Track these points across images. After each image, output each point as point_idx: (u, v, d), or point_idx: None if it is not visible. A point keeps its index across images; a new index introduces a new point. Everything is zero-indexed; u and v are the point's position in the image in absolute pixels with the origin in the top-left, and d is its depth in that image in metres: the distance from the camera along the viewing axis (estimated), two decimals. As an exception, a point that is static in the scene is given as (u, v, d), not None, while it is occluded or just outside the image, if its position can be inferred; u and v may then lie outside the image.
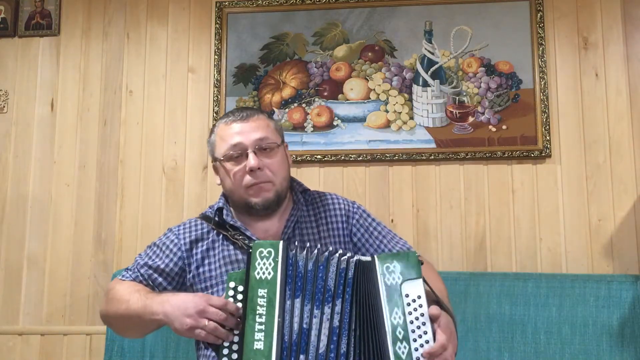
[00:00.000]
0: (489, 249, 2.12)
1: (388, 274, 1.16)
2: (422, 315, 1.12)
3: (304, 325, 1.13)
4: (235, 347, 1.14)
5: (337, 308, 1.15)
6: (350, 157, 2.20)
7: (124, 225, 2.24)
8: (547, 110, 2.15)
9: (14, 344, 2.19)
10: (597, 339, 1.86)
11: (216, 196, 2.21)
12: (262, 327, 1.11)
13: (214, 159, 1.46)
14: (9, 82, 2.37)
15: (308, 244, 1.23)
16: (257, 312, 1.12)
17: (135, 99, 2.33)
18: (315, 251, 1.20)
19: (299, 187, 1.51)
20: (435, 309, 1.13)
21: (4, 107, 2.36)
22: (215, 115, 2.26)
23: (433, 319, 1.12)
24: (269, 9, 2.32)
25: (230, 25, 2.32)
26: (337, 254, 1.20)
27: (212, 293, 1.36)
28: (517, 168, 2.15)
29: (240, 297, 1.17)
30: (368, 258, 1.20)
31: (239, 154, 1.39)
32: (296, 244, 1.22)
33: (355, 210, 1.51)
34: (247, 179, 1.38)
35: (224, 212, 1.44)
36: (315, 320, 1.14)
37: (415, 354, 1.10)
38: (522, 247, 2.10)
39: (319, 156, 2.21)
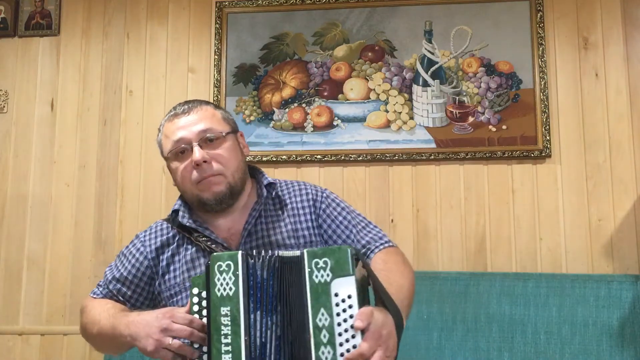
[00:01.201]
0: (489, 249, 2.12)
1: (317, 270, 1.05)
2: (351, 317, 1.01)
3: (262, 339, 1.07)
4: None
5: (275, 315, 1.08)
6: (350, 157, 2.20)
7: (124, 225, 2.24)
8: (547, 110, 2.15)
9: (14, 344, 2.19)
10: (597, 339, 1.86)
11: (216, 196, 2.22)
12: (229, 347, 1.04)
13: (164, 159, 1.38)
14: (9, 82, 2.37)
15: (262, 251, 1.16)
16: (222, 332, 1.04)
17: (135, 99, 2.33)
18: (268, 256, 1.12)
19: (263, 180, 1.40)
20: (361, 317, 1.01)
21: (4, 107, 2.36)
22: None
23: (359, 330, 1.00)
24: (269, 9, 2.32)
25: (230, 25, 2.32)
26: (270, 253, 1.12)
27: (177, 301, 1.31)
28: (517, 168, 2.15)
29: (205, 303, 1.10)
30: (297, 253, 1.09)
31: (184, 149, 1.31)
32: (254, 252, 1.13)
33: (322, 198, 1.39)
34: (195, 174, 1.30)
35: (180, 213, 1.37)
36: (268, 332, 1.07)
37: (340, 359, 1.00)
38: (522, 247, 2.10)
39: (319, 156, 2.21)
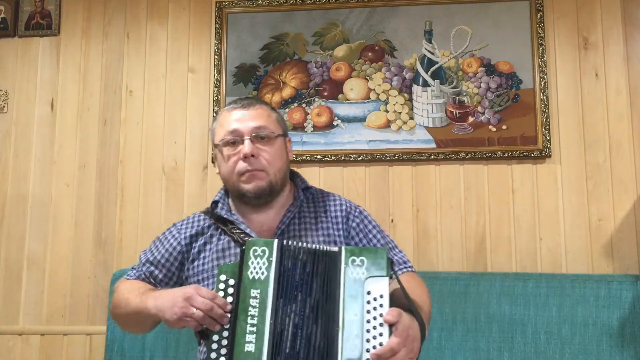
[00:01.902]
0: (489, 249, 2.12)
1: (353, 267, 1.11)
2: (381, 315, 1.07)
3: (282, 325, 1.11)
4: (224, 342, 1.11)
5: (302, 304, 1.12)
6: (350, 157, 2.20)
7: (124, 225, 2.25)
8: (547, 110, 2.15)
9: (14, 344, 2.19)
10: (597, 339, 1.86)
11: (216, 196, 2.22)
12: (254, 328, 1.08)
13: (214, 146, 1.45)
14: (9, 82, 2.37)
15: (294, 241, 1.20)
16: (249, 312, 1.09)
17: (135, 99, 2.33)
18: (302, 247, 1.17)
19: (301, 184, 1.49)
20: (392, 313, 1.07)
21: (4, 107, 2.36)
22: (215, 115, 2.26)
23: (388, 324, 1.06)
24: (269, 9, 2.32)
25: (230, 25, 2.32)
26: (306, 245, 1.17)
27: (204, 286, 1.34)
28: (517, 168, 2.15)
29: (230, 290, 1.14)
30: (335, 248, 1.16)
31: (235, 140, 1.38)
32: (287, 242, 1.18)
33: (356, 213, 1.47)
34: (241, 165, 1.36)
35: (219, 205, 1.44)
36: (287, 319, 1.11)
37: (365, 355, 1.05)
38: (522, 247, 2.10)
39: (319, 156, 2.21)
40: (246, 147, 1.35)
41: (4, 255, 2.26)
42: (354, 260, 1.11)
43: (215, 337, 1.12)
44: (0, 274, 2.25)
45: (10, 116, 2.35)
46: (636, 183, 2.10)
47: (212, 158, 1.49)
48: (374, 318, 1.06)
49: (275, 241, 1.15)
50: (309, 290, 1.13)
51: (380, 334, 1.05)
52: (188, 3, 2.37)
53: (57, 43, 2.38)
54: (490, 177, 2.16)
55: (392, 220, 2.16)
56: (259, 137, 1.38)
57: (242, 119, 1.39)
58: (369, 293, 1.08)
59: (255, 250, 1.13)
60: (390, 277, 1.14)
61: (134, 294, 1.33)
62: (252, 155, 1.35)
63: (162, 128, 2.30)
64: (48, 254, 2.25)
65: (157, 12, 2.37)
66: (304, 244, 1.19)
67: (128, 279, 1.45)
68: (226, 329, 1.12)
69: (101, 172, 2.29)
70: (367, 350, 1.04)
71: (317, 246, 1.18)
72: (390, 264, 1.14)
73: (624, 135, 2.12)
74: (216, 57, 2.30)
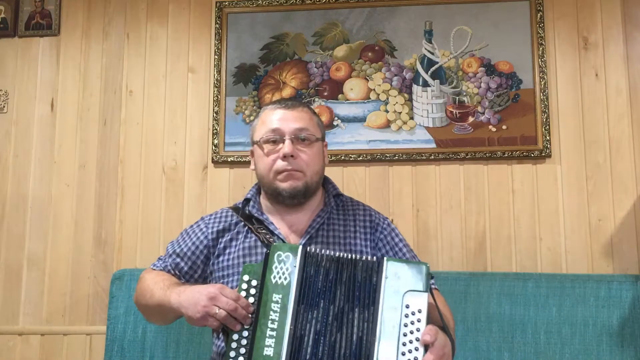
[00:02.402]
0: (489, 249, 2.12)
1: (394, 279, 1.11)
2: (418, 330, 1.07)
3: (302, 332, 1.11)
4: (244, 341, 1.12)
5: (324, 311, 1.13)
6: (350, 157, 2.20)
7: (124, 225, 2.24)
8: (547, 110, 2.15)
9: (14, 344, 2.19)
10: (597, 339, 1.86)
11: (217, 196, 2.22)
12: (274, 333, 1.09)
13: (252, 143, 1.48)
14: (9, 82, 2.37)
15: (317, 248, 1.21)
16: (270, 317, 1.10)
17: (135, 99, 2.33)
18: (325, 255, 1.18)
19: (333, 190, 1.52)
20: (430, 332, 1.07)
21: (4, 107, 2.36)
22: (215, 115, 2.26)
23: (425, 344, 1.07)
24: (269, 9, 2.32)
25: (230, 25, 2.32)
26: (331, 253, 1.18)
27: (227, 282, 1.38)
28: (517, 168, 2.15)
29: (253, 291, 1.15)
30: (373, 258, 1.17)
31: (276, 138, 1.41)
32: (312, 249, 1.19)
33: (385, 225, 1.50)
34: (280, 163, 1.40)
35: (251, 203, 1.47)
36: (308, 325, 1.12)
37: None
38: (522, 247, 2.10)
39: (319, 156, 2.21)
40: (286, 146, 1.38)
41: (4, 255, 2.26)
42: (395, 273, 1.11)
43: (235, 337, 1.13)
44: (0, 274, 2.25)
45: (10, 116, 2.35)
46: (636, 183, 2.10)
47: (251, 153, 1.52)
48: (411, 332, 1.07)
49: (300, 247, 1.16)
50: (332, 297, 1.14)
51: (416, 349, 1.06)
52: (188, 3, 2.36)
53: (57, 43, 2.38)
54: (490, 177, 2.16)
55: (392, 220, 2.15)
56: (299, 138, 1.41)
57: (284, 118, 1.42)
58: (407, 307, 1.09)
59: (279, 255, 1.14)
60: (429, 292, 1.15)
61: (159, 286, 1.34)
62: (292, 156, 1.39)
63: (162, 128, 2.30)
64: (48, 254, 2.25)
65: (157, 12, 2.37)
66: (329, 252, 1.19)
67: (154, 269, 1.47)
68: (246, 329, 1.13)
69: (101, 172, 2.29)
70: None
71: (342, 254, 1.19)
72: (432, 276, 1.16)
73: (624, 135, 2.12)
74: (216, 57, 2.30)
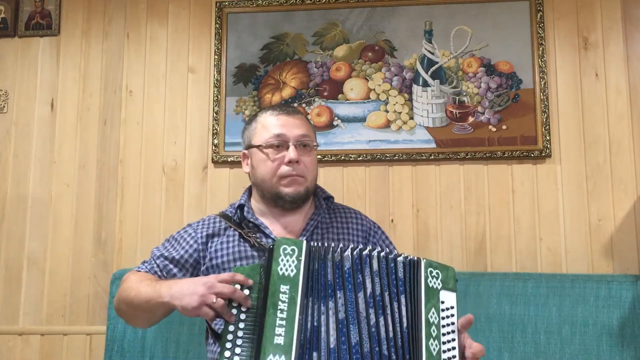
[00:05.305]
0: (489, 249, 2.12)
1: (431, 277, 1.20)
2: (453, 324, 1.20)
3: (315, 323, 1.13)
4: (239, 341, 1.12)
5: (328, 301, 1.15)
6: (350, 157, 2.20)
7: (124, 225, 2.24)
8: (547, 110, 2.15)
9: (14, 344, 2.19)
10: (597, 339, 1.86)
11: (217, 196, 2.22)
12: (284, 322, 1.10)
13: (249, 146, 1.50)
14: (9, 82, 2.37)
15: (324, 242, 1.24)
16: (279, 307, 1.11)
17: (135, 99, 2.32)
18: (330, 249, 1.19)
19: (322, 193, 1.56)
20: (478, 348, 1.23)
21: (4, 107, 2.36)
22: (215, 115, 2.26)
23: (461, 331, 1.22)
24: (269, 9, 2.32)
25: (230, 25, 2.32)
26: (360, 250, 1.20)
27: None
28: (517, 168, 2.15)
29: (246, 292, 1.16)
30: (414, 257, 1.23)
31: (280, 144, 1.44)
32: (314, 244, 1.21)
33: (376, 229, 1.56)
34: (284, 169, 1.43)
35: (245, 209, 1.49)
36: (322, 317, 1.14)
37: (443, 355, 1.16)
38: (522, 247, 2.10)
39: (318, 156, 2.20)
40: (292, 152, 1.42)
41: (4, 255, 2.26)
42: (431, 272, 1.21)
43: (230, 337, 1.13)
44: (0, 274, 2.25)
45: (10, 116, 2.35)
46: (636, 183, 2.10)
47: (243, 155, 1.54)
48: (448, 325, 1.20)
49: (304, 241, 1.19)
50: (360, 286, 1.18)
51: (453, 339, 1.20)
52: (188, 3, 2.36)
53: (57, 43, 2.38)
54: (490, 177, 2.16)
55: (392, 220, 2.16)
56: (302, 144, 1.45)
57: (287, 124, 1.46)
58: (442, 302, 1.21)
59: (285, 249, 1.16)
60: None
61: (145, 284, 1.33)
62: (297, 161, 1.43)
63: (162, 128, 2.30)
64: (48, 254, 2.25)
65: (157, 12, 2.37)
66: (331, 244, 1.22)
67: (139, 271, 1.45)
68: (241, 329, 1.13)
69: (101, 172, 2.29)
70: (444, 352, 1.16)
71: (342, 247, 1.21)
72: (456, 280, 1.26)
73: (624, 135, 2.12)
74: (216, 57, 2.30)
